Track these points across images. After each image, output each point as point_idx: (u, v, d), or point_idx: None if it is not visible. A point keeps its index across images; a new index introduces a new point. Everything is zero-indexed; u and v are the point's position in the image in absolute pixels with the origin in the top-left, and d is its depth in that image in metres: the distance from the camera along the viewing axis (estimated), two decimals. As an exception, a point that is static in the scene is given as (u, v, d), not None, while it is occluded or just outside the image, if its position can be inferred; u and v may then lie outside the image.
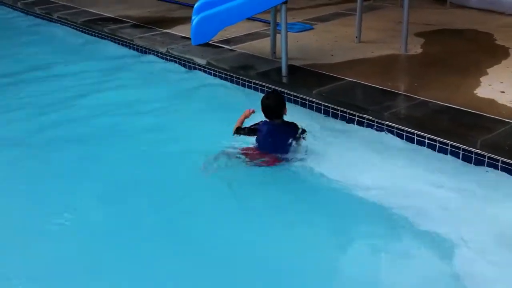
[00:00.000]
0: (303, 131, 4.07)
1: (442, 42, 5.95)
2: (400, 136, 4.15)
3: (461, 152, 3.80)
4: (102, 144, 4.54)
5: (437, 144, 3.93)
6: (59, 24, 8.33)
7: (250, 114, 4.17)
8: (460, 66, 5.12)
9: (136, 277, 3.00)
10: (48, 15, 8.54)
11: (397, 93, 4.56)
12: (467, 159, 3.77)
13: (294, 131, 4.01)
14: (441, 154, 3.91)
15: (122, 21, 7.63)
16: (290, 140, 3.98)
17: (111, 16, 8.00)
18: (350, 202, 3.57)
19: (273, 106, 3.95)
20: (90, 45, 7.39)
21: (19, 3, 9.39)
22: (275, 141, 3.98)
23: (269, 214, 3.51)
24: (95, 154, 4.35)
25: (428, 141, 3.98)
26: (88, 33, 7.71)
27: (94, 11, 8.33)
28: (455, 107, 4.19)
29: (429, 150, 3.98)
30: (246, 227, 3.41)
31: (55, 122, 4.94)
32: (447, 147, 3.88)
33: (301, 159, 3.98)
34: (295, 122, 4.08)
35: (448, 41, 5.99)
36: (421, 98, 4.40)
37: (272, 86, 5.05)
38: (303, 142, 4.05)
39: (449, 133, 3.86)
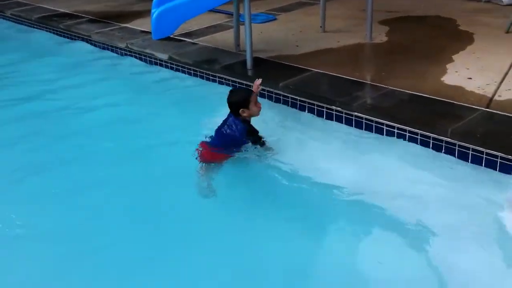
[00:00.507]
0: (260, 142, 3.85)
1: (407, 29, 5.91)
2: (369, 127, 4.07)
3: (431, 141, 3.75)
4: (66, 142, 4.35)
5: (407, 134, 3.87)
6: (12, 22, 7.99)
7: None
8: (426, 53, 5.08)
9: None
10: (1, 13, 8.19)
11: (365, 83, 4.49)
12: (437, 148, 3.72)
13: (239, 134, 3.78)
14: (411, 144, 3.85)
15: (78, 17, 7.36)
16: (225, 139, 3.81)
17: (67, 11, 7.72)
18: (322, 197, 3.48)
19: (228, 101, 3.81)
20: (46, 42, 7.10)
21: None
22: (215, 134, 3.85)
23: (243, 211, 3.42)
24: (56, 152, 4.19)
25: (398, 131, 3.91)
26: (44, 30, 7.40)
27: (49, 7, 8.02)
28: (424, 95, 4.14)
29: (400, 140, 3.91)
30: (222, 225, 3.30)
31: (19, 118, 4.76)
32: (417, 136, 3.82)
33: (271, 153, 3.86)
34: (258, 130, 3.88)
35: (412, 28, 5.96)
36: (389, 87, 4.34)
37: (237, 80, 4.91)
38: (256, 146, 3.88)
39: (418, 123, 3.81)
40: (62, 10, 7.79)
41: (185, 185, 3.64)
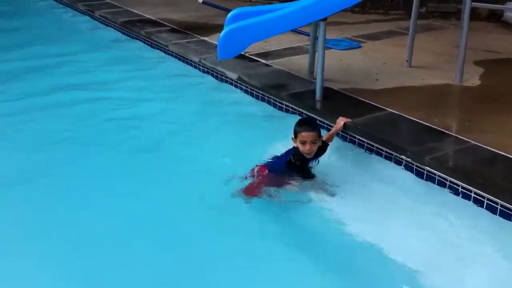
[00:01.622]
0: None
1: (505, 74, 5.23)
2: (442, 184, 3.54)
3: (512, 213, 3.17)
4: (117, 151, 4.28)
5: (485, 201, 3.31)
6: (99, 23, 8.09)
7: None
8: (523, 106, 4.43)
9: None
10: (91, 12, 8.32)
11: (444, 132, 3.94)
12: (519, 223, 3.14)
13: (283, 162, 3.68)
14: (489, 213, 3.28)
15: (161, 24, 7.29)
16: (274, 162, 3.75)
17: (152, 18, 7.69)
18: (366, 255, 3.06)
19: None
20: (125, 45, 7.08)
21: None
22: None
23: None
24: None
25: (475, 196, 3.36)
26: (126, 34, 7.40)
27: (136, 12, 8.05)
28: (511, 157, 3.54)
29: (476, 206, 3.35)
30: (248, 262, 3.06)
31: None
32: (496, 206, 3.25)
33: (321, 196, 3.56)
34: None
35: (512, 74, 5.29)
36: (472, 141, 3.77)
37: (303, 111, 4.53)
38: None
39: (500, 190, 3.23)
40: (147, 16, 7.77)
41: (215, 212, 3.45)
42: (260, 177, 3.65)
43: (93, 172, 3.93)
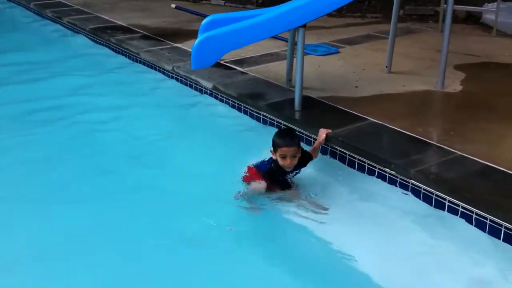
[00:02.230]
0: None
1: (487, 79, 5.12)
2: (428, 198, 3.38)
3: (503, 229, 3.02)
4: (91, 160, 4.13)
5: (474, 216, 3.15)
6: (69, 30, 7.80)
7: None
8: (508, 111, 4.29)
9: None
10: (59, 19, 8.02)
11: (428, 143, 3.78)
12: (508, 239, 2.99)
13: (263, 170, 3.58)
14: (477, 230, 3.13)
15: (133, 31, 7.04)
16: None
17: (123, 24, 7.42)
18: (347, 274, 2.92)
19: None
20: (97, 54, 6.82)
21: (31, 4, 8.92)
22: None
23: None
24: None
25: (463, 210, 3.20)
26: (97, 42, 7.14)
27: (107, 18, 7.77)
28: (501, 168, 3.39)
29: (463, 221, 3.20)
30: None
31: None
32: (486, 220, 3.10)
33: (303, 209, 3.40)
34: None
35: (495, 78, 5.16)
36: (457, 152, 3.62)
37: (282, 122, 4.34)
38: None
39: (489, 205, 3.08)
40: (118, 23, 7.51)
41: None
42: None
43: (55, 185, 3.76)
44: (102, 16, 7.92)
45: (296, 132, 3.90)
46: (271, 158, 3.53)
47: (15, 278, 2.88)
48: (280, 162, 3.42)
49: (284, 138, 3.45)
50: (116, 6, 8.76)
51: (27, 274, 2.92)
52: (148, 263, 3.00)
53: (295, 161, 3.45)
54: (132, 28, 7.21)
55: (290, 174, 3.58)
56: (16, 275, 2.90)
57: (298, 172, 3.64)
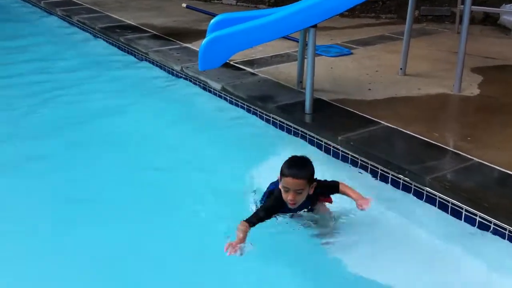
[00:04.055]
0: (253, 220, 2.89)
1: (504, 82, 4.94)
2: (444, 207, 3.23)
3: (523, 241, 2.87)
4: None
5: (492, 226, 3.00)
6: (78, 29, 7.72)
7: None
8: (527, 116, 4.13)
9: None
10: (68, 18, 7.95)
11: (445, 149, 3.63)
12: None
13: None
14: (497, 237, 2.97)
15: (142, 30, 6.94)
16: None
17: (133, 23, 7.33)
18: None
19: None
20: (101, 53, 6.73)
21: (42, 2, 8.87)
22: None
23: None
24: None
25: (480, 220, 3.05)
26: (106, 41, 7.05)
27: (117, 17, 7.69)
28: (520, 176, 3.24)
29: (481, 231, 3.04)
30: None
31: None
32: (504, 231, 2.95)
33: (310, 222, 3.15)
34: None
35: (513, 81, 4.99)
36: (475, 159, 3.46)
37: (292, 125, 4.21)
38: None
39: (508, 215, 2.92)
40: (128, 22, 7.42)
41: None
42: None
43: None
44: (112, 15, 7.83)
45: (309, 164, 2.95)
46: (273, 184, 3.07)
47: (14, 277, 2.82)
48: (283, 195, 2.88)
49: (290, 166, 2.85)
50: (126, 5, 8.68)
51: (26, 273, 2.85)
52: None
53: (300, 199, 2.89)
54: (141, 27, 7.11)
55: (297, 210, 3.04)
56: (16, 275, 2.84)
57: (311, 210, 3.11)
